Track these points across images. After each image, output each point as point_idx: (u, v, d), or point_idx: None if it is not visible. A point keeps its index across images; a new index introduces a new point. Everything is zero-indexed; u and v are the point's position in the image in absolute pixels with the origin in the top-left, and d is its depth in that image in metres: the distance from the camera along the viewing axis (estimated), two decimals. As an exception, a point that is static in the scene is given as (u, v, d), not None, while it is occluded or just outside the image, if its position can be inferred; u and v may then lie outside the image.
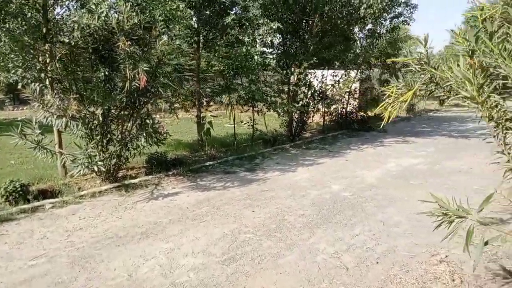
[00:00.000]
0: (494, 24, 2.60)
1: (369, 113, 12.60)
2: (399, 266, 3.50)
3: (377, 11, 8.44)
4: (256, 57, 7.46)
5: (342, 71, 10.79)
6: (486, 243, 2.24)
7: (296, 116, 9.89)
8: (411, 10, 10.38)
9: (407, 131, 11.94)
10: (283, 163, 7.62)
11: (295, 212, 4.81)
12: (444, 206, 2.40)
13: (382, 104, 3.26)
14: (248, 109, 8.77)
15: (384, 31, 10.99)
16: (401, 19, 10.61)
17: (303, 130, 10.38)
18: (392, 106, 3.14)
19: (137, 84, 4.99)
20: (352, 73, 10.79)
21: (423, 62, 2.92)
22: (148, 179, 6.31)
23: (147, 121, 5.52)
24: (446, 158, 7.86)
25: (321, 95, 9.84)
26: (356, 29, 10.73)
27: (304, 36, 8.89)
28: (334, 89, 10.22)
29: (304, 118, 9.94)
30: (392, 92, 3.07)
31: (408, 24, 10.71)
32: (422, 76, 3.28)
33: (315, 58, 8.23)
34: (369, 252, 3.76)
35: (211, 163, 7.45)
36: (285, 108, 8.79)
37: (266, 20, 6.81)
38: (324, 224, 4.43)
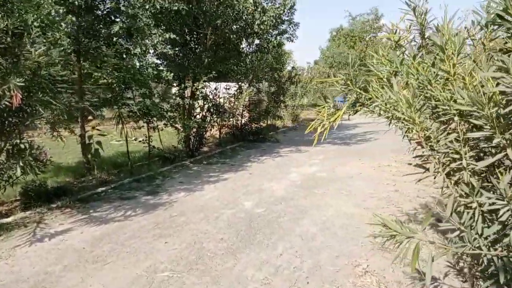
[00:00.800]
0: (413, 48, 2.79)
1: (262, 124, 12.97)
2: (328, 283, 3.45)
3: (268, 27, 8.72)
4: (149, 70, 6.88)
5: (234, 84, 10.88)
6: (433, 259, 2.27)
7: (194, 131, 9.50)
8: (294, 28, 11.08)
9: (297, 140, 12.64)
10: (187, 181, 7.15)
11: (213, 237, 4.45)
12: (392, 228, 2.36)
13: (312, 124, 3.18)
14: (143, 126, 8.03)
15: (271, 47, 11.48)
16: (286, 35, 11.24)
17: (201, 144, 10.04)
18: (323, 126, 3.08)
19: (7, 103, 3.98)
20: (245, 86, 10.96)
21: (349, 83, 2.92)
22: (26, 215, 5.14)
23: (23, 146, 4.47)
24: (338, 165, 8.48)
25: (217, 108, 9.68)
26: (244, 44, 10.93)
27: (198, 49, 8.61)
28: (230, 102, 10.19)
29: (202, 132, 9.62)
30: (322, 114, 3.00)
31: (292, 41, 11.41)
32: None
33: (214, 72, 8.02)
34: (297, 272, 3.65)
35: (103, 189, 6.52)
36: (184, 123, 8.33)
37: (160, 30, 6.31)
38: (246, 248, 4.18)
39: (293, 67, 13.66)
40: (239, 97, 9.80)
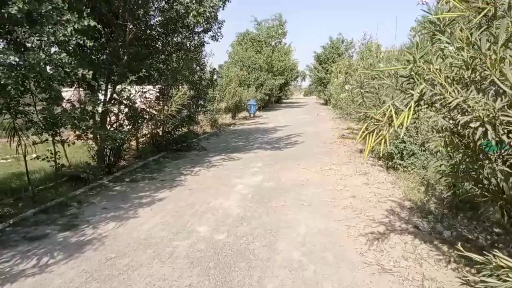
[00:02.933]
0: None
1: (182, 131, 11.78)
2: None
3: (203, 21, 7.70)
4: (60, 68, 5.32)
5: (150, 87, 9.57)
6: None
7: (110, 142, 7.94)
8: (219, 26, 10.24)
9: (224, 147, 11.80)
10: (113, 207, 5.75)
11: (178, 285, 3.36)
12: None
13: (362, 134, 2.42)
14: (46, 139, 6.28)
15: (193, 47, 10.43)
16: (210, 33, 10.33)
17: (119, 158, 8.50)
18: (378, 134, 2.34)
19: None
20: (173, 89, 9.71)
21: (413, 74, 2.25)
22: None
23: None
24: (280, 171, 7.91)
25: (137, 115, 8.28)
26: (160, 43, 9.66)
27: (116, 44, 7.16)
28: (152, 108, 8.87)
29: (120, 144, 8.10)
30: (378, 114, 2.26)
31: (217, 40, 10.54)
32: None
33: (137, 74, 6.68)
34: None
35: (-3, 227, 4.78)
36: (100, 134, 6.81)
37: (75, 15, 4.84)
38: (227, 293, 3.22)
39: (214, 69, 12.74)
40: (170, 101, 8.51)
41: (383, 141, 2.36)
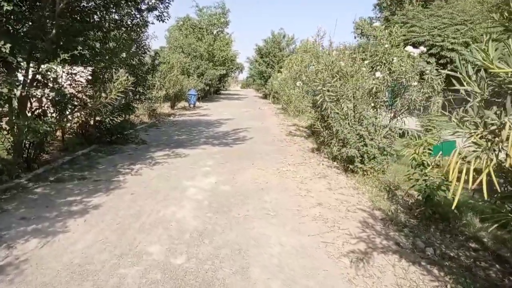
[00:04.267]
0: None
1: (117, 120, 10.40)
2: None
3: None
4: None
5: (82, 69, 8.17)
6: None
7: (31, 135, 6.51)
8: (166, 5, 9.09)
9: (166, 140, 10.70)
10: (35, 216, 4.54)
11: None
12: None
13: (453, 166, 1.78)
14: None
15: (135, 26, 9.14)
16: (156, 12, 9.12)
17: (42, 152, 7.06)
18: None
19: None
20: (109, 73, 8.34)
21: None
22: None
23: None
24: (235, 172, 7.19)
25: (70, 101, 6.91)
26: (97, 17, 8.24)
27: (43, 14, 5.74)
28: (84, 93, 7.51)
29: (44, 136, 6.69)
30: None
31: (163, 21, 9.37)
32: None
33: (70, 52, 5.39)
34: None
35: None
36: (18, 124, 5.45)
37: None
38: None
39: (157, 53, 11.43)
40: (108, 87, 7.20)
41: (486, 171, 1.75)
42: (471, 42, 8.99)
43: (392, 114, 7.27)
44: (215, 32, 32.06)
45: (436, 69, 6.47)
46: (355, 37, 32.51)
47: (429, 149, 5.09)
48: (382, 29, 6.97)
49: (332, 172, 7.50)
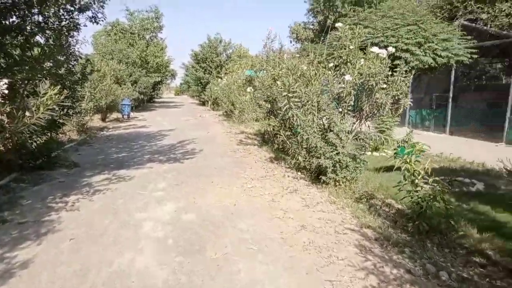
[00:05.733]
0: None
1: (44, 139, 8.75)
2: None
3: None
4: None
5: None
6: None
7: None
8: (101, 4, 7.80)
9: (103, 160, 9.27)
10: None
11: None
12: None
13: None
14: None
15: (65, 28, 7.69)
16: (89, 13, 7.77)
17: None
18: None
19: None
20: (29, 86, 6.80)
21: None
22: None
23: None
24: (194, 194, 6.22)
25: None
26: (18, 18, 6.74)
27: None
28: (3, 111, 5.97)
29: None
30: None
31: (97, 22, 8.05)
32: None
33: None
34: None
35: None
36: None
37: None
38: None
39: (88, 60, 9.90)
40: (35, 103, 5.78)
41: None
42: (423, 42, 9.09)
43: (358, 119, 6.86)
44: (148, 37, 30.19)
45: (405, 71, 6.17)
46: (290, 41, 32.98)
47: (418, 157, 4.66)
48: (346, 30, 6.53)
49: (301, 185, 6.86)
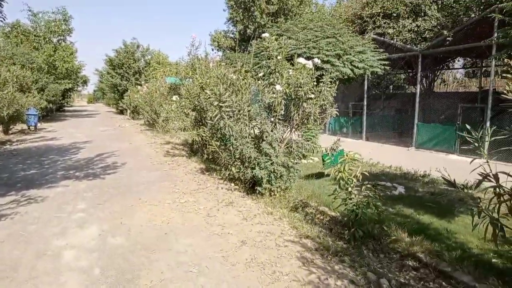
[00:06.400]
0: None
1: None
2: None
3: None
4: None
5: None
6: None
7: None
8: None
9: (8, 179, 8.06)
10: None
11: None
12: None
13: None
14: None
15: None
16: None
17: None
18: None
19: None
20: None
21: None
22: None
23: None
24: (123, 214, 5.69)
25: None
26: None
27: None
28: None
29: None
30: None
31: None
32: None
33: None
34: None
35: None
36: None
37: None
38: None
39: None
40: None
41: None
42: (342, 54, 9.64)
43: (289, 128, 6.95)
44: (55, 40, 27.51)
45: (330, 81, 6.41)
46: (212, 49, 32.90)
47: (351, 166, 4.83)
48: (272, 40, 6.59)
49: (236, 197, 6.70)
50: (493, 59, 11.03)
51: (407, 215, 5.79)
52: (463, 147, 12.24)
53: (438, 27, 16.03)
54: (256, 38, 11.83)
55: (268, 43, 6.72)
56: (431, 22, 16.40)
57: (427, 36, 16.59)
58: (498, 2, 10.88)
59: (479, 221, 2.39)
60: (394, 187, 7.43)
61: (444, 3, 16.36)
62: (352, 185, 4.76)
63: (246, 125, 6.75)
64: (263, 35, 6.88)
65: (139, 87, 24.29)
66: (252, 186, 6.83)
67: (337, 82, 6.57)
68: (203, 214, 5.75)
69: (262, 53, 9.51)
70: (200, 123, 9.28)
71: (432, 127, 13.61)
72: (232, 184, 7.48)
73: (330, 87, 6.48)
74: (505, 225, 2.23)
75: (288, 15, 27.17)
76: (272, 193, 6.47)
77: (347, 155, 4.78)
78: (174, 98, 10.12)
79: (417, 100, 14.05)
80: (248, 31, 29.72)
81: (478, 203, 2.33)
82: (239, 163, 6.76)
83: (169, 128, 12.65)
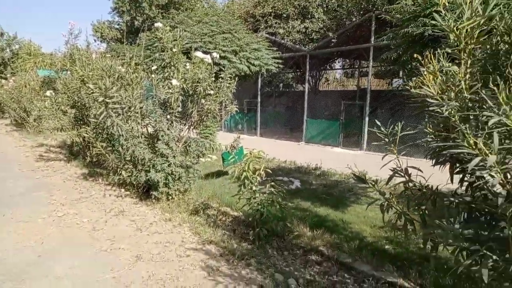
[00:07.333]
0: None
1: None
2: None
3: None
4: None
5: None
6: None
7: None
8: None
9: None
10: None
11: None
12: None
13: None
14: None
15: None
16: None
17: None
18: None
19: None
20: None
21: None
22: None
23: None
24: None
25: None
26: None
27: None
28: None
29: None
30: None
31: None
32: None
33: None
34: None
35: None
36: None
37: None
38: None
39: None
40: None
41: None
42: (238, 51, 9.50)
43: (187, 126, 6.51)
44: None
45: (230, 77, 6.17)
46: (95, 40, 30.02)
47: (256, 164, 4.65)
48: (167, 31, 6.04)
49: (128, 204, 5.99)
50: (371, 61, 12.30)
51: (305, 208, 5.92)
52: (346, 140, 13.45)
53: (324, 29, 17.33)
54: (145, 31, 10.98)
55: (161, 33, 6.15)
56: (318, 24, 17.64)
57: (314, 37, 17.82)
58: (374, 9, 12.19)
59: (392, 216, 2.39)
60: (291, 181, 7.61)
61: (329, 7, 17.77)
62: (256, 183, 4.60)
63: (139, 123, 6.08)
64: (156, 24, 6.29)
65: (3, 81, 20.66)
66: (146, 191, 6.20)
67: (237, 79, 6.38)
68: (87, 228, 4.94)
69: (154, 45, 8.80)
70: (82, 122, 8.14)
71: (319, 123, 14.61)
72: (123, 190, 6.70)
73: (229, 83, 6.24)
74: (413, 218, 2.25)
75: (179, 9, 26.35)
76: (170, 197, 5.96)
77: (251, 153, 4.58)
78: (48, 93, 8.67)
79: (306, 97, 14.91)
80: (136, 23, 27.92)
81: (389, 198, 2.31)
82: (131, 166, 6.05)
83: (43, 128, 10.83)
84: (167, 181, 5.76)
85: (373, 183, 2.41)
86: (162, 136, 5.71)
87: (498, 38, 2.06)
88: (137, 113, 6.02)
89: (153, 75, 6.09)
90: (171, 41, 6.20)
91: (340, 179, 8.17)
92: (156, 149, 5.73)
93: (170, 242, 4.50)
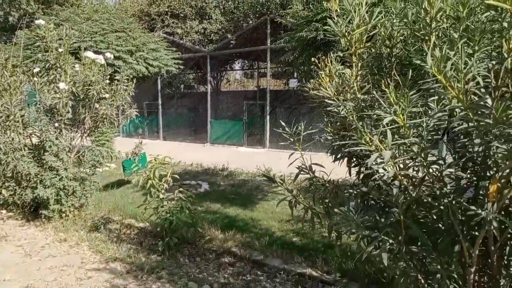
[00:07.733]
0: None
1: None
2: None
3: None
4: None
5: None
6: None
7: None
8: None
9: None
10: None
11: None
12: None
13: None
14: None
15: None
16: None
17: None
18: None
19: None
20: None
21: None
22: None
23: None
24: None
25: None
26: None
27: None
28: None
29: None
30: None
31: None
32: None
33: None
34: None
35: None
36: None
37: None
38: None
39: None
40: None
41: None
42: (134, 51, 8.93)
43: (80, 134, 5.90)
44: None
45: (127, 79, 5.78)
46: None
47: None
48: (51, 29, 5.37)
49: (11, 228, 5.18)
50: (268, 63, 12.84)
51: (215, 210, 5.89)
52: (250, 139, 13.82)
53: (223, 30, 17.49)
54: (23, 28, 9.67)
55: (44, 31, 5.47)
56: (216, 26, 17.71)
57: (214, 38, 17.85)
58: (269, 13, 12.72)
59: (300, 211, 2.50)
60: (198, 184, 7.50)
61: (226, 8, 17.97)
62: (163, 191, 4.39)
63: (20, 133, 5.30)
64: (37, 21, 5.56)
65: None
66: (35, 210, 5.46)
67: (135, 80, 6.01)
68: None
69: (36, 44, 7.83)
70: None
71: (223, 123, 14.74)
72: (4, 212, 5.78)
73: (127, 86, 5.85)
74: (318, 211, 2.38)
75: (63, 5, 23.87)
76: (64, 214, 5.33)
77: (156, 159, 4.35)
78: None
79: (209, 98, 14.89)
80: (11, 18, 24.46)
81: (297, 195, 2.40)
82: (13, 184, 5.25)
83: None
84: (59, 197, 5.14)
85: (282, 182, 2.48)
86: (50, 146, 5.06)
87: (381, 42, 2.30)
88: (18, 122, 5.25)
89: (35, 79, 5.37)
90: (56, 40, 5.56)
91: (247, 178, 8.34)
92: (44, 161, 5.06)
93: (68, 265, 4.02)
